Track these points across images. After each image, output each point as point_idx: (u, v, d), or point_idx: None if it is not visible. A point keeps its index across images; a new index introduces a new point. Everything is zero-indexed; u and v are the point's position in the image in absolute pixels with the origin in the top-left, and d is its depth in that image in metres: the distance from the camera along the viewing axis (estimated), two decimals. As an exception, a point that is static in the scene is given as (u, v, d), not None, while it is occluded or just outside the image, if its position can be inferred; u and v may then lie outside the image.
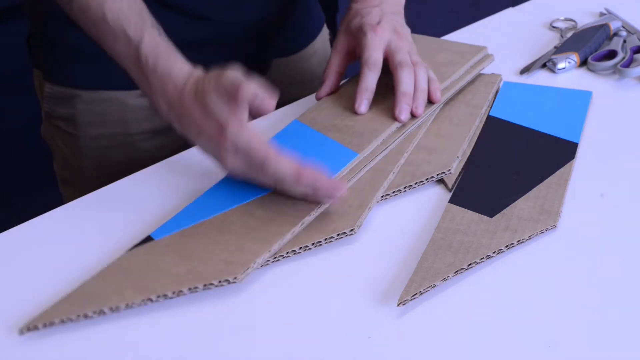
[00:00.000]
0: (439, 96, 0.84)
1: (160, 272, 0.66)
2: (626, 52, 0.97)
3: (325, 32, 1.12)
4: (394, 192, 0.75)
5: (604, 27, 1.01)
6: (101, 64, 0.85)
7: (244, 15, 0.94)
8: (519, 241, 0.69)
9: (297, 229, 0.70)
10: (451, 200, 0.74)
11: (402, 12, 0.90)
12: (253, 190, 0.74)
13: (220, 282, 0.65)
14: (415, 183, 0.76)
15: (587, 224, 0.72)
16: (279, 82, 0.84)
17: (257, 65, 1.00)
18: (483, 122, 0.85)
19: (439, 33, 1.06)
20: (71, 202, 0.79)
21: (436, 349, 0.61)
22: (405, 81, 0.81)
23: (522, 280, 0.66)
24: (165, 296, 0.64)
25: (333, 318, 0.64)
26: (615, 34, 1.01)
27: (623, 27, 1.02)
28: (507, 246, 0.68)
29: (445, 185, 0.77)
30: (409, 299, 0.63)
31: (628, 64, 0.95)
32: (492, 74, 0.93)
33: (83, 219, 0.76)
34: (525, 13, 1.11)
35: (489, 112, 0.87)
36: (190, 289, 0.65)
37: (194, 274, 0.66)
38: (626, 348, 0.60)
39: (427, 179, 0.76)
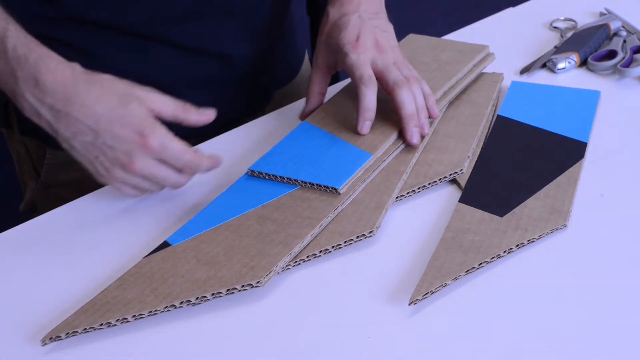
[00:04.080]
0: (437, 111, 0.81)
1: (181, 278, 0.66)
2: (626, 52, 0.97)
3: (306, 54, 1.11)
4: (408, 192, 0.75)
5: (604, 27, 1.01)
6: None
7: (249, 49, 0.93)
8: (529, 240, 0.69)
9: (316, 230, 0.70)
10: (461, 200, 0.74)
11: (383, 8, 0.87)
12: (267, 193, 0.74)
13: (243, 286, 0.65)
14: (429, 183, 0.76)
15: (596, 223, 0.72)
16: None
17: (258, 98, 0.99)
18: (489, 121, 0.86)
19: (439, 33, 1.07)
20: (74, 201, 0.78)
21: (448, 347, 0.61)
22: (406, 102, 0.78)
23: (533, 280, 0.67)
24: (188, 302, 0.64)
25: (345, 318, 0.64)
26: (615, 34, 1.02)
27: (623, 27, 1.03)
28: (517, 245, 0.69)
29: (458, 184, 0.77)
30: (421, 298, 0.64)
31: (628, 64, 0.96)
32: (494, 72, 0.94)
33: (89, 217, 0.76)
34: (525, 13, 1.11)
35: (498, 111, 0.87)
36: (213, 294, 0.64)
37: (215, 279, 0.65)
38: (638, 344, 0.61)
39: (440, 179, 0.76)
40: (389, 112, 0.80)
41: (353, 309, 0.65)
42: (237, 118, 0.93)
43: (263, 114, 0.95)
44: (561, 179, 0.76)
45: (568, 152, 0.80)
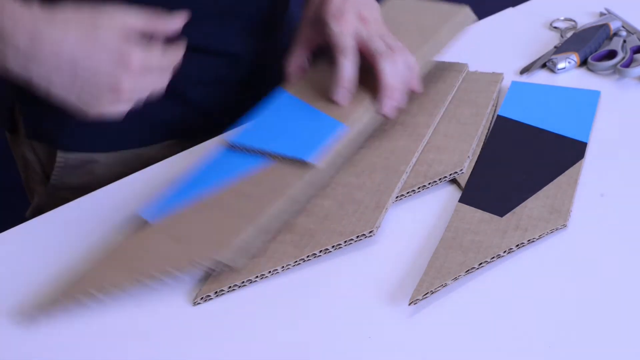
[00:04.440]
0: (418, 86, 0.80)
1: (153, 255, 0.67)
2: (626, 52, 0.97)
3: None
4: (408, 192, 0.75)
5: (604, 27, 1.01)
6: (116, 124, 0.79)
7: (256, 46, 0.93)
8: (529, 240, 0.69)
9: (288, 205, 0.70)
10: (461, 200, 0.74)
11: None
12: (243, 167, 0.74)
13: (216, 264, 0.65)
14: (429, 183, 0.76)
15: (597, 223, 0.72)
16: None
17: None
18: (489, 121, 0.86)
19: (439, 32, 1.06)
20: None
21: (448, 347, 0.61)
22: (387, 72, 0.77)
23: (533, 280, 0.67)
24: (160, 280, 0.65)
25: (345, 317, 0.64)
26: (615, 34, 1.02)
27: (623, 27, 1.03)
28: (517, 245, 0.69)
29: (458, 184, 0.77)
30: (421, 298, 0.64)
31: (628, 64, 0.96)
32: (494, 72, 0.94)
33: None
34: (525, 13, 1.11)
35: (498, 111, 0.87)
36: (184, 271, 0.65)
37: (188, 257, 0.66)
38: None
39: (439, 179, 0.76)
40: (372, 85, 0.79)
41: (353, 309, 0.65)
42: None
43: None
44: (561, 179, 0.76)
45: (568, 152, 0.80)
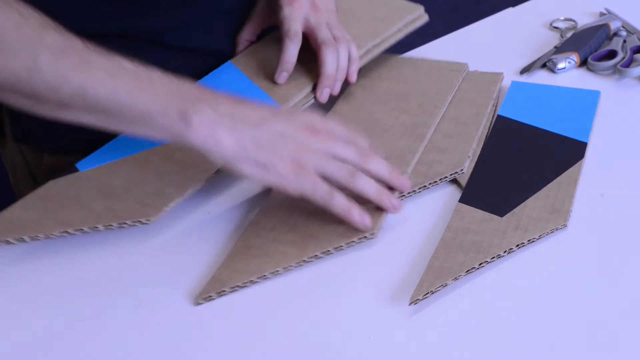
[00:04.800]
0: (354, 78, 0.85)
1: (80, 206, 0.70)
2: (626, 52, 0.97)
3: None
4: (408, 193, 0.75)
5: (604, 27, 1.01)
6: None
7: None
8: (529, 240, 0.69)
9: (211, 175, 0.73)
10: (461, 200, 0.74)
11: None
12: None
13: (134, 222, 0.68)
14: (430, 183, 0.76)
15: (597, 223, 0.72)
16: None
17: None
18: (489, 121, 0.86)
19: (439, 33, 1.07)
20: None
21: (449, 347, 0.61)
22: (329, 62, 0.82)
23: (533, 280, 0.67)
24: (82, 230, 0.67)
25: (346, 317, 0.64)
26: (615, 34, 1.02)
27: (623, 27, 1.03)
28: (517, 245, 0.69)
29: (458, 184, 0.77)
30: (421, 298, 0.64)
31: (628, 64, 0.96)
32: (494, 72, 0.94)
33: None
34: (525, 13, 1.11)
35: (498, 111, 0.88)
36: (105, 226, 0.67)
37: (110, 212, 0.69)
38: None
39: (440, 179, 0.76)
40: (311, 69, 0.84)
41: (353, 309, 0.65)
42: None
43: None
44: (561, 178, 0.76)
45: (568, 152, 0.80)
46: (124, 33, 0.83)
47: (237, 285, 0.67)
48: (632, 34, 1.01)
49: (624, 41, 1.00)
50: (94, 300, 0.67)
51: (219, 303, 0.66)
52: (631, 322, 0.63)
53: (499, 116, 0.87)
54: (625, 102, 0.90)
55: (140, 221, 0.68)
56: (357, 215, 0.68)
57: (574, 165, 0.78)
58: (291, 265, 0.68)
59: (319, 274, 0.68)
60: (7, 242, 0.67)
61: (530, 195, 0.74)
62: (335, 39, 0.83)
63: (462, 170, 0.77)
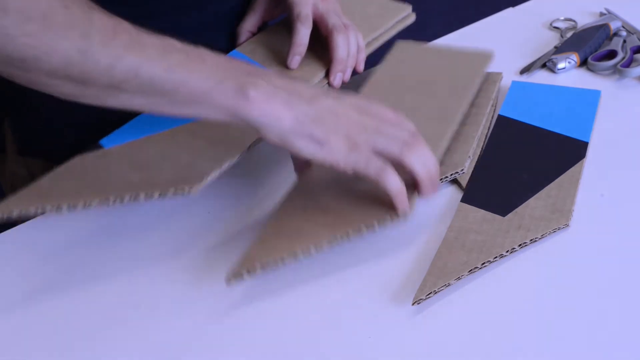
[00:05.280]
0: (362, 67, 0.86)
1: (115, 177, 0.67)
2: (626, 52, 0.97)
3: None
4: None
5: (604, 27, 1.01)
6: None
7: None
8: (532, 240, 0.69)
9: (244, 152, 0.71)
10: (463, 200, 0.74)
11: None
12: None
13: (176, 191, 0.64)
14: (431, 183, 0.76)
15: (599, 222, 0.72)
16: None
17: None
18: (489, 121, 0.86)
19: (439, 33, 1.07)
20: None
21: (452, 347, 0.61)
22: (341, 47, 0.83)
23: (536, 279, 0.67)
24: (122, 200, 0.64)
25: (348, 317, 0.64)
26: (615, 34, 1.02)
27: (623, 27, 1.03)
28: (520, 245, 0.69)
29: (459, 185, 0.77)
30: (424, 298, 0.64)
31: (628, 64, 0.96)
32: (493, 72, 0.93)
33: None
34: (525, 13, 1.12)
35: (499, 111, 0.87)
36: (147, 195, 0.64)
37: (148, 183, 0.66)
38: (643, 346, 0.61)
39: (440, 179, 0.76)
40: (321, 55, 0.85)
41: (356, 309, 0.65)
42: None
43: None
44: (563, 178, 0.76)
45: (569, 151, 0.80)
46: None
47: (268, 264, 0.64)
48: (632, 34, 1.01)
49: (624, 41, 1.00)
50: (94, 300, 0.67)
51: (217, 301, 0.66)
52: (634, 321, 0.62)
53: (499, 116, 0.86)
54: (625, 102, 0.91)
55: (183, 190, 0.64)
56: (405, 196, 0.66)
57: (575, 165, 0.78)
58: (323, 244, 0.65)
59: (320, 274, 0.68)
60: (44, 212, 0.63)
61: (532, 195, 0.74)
62: (345, 26, 0.84)
63: (462, 170, 0.77)
